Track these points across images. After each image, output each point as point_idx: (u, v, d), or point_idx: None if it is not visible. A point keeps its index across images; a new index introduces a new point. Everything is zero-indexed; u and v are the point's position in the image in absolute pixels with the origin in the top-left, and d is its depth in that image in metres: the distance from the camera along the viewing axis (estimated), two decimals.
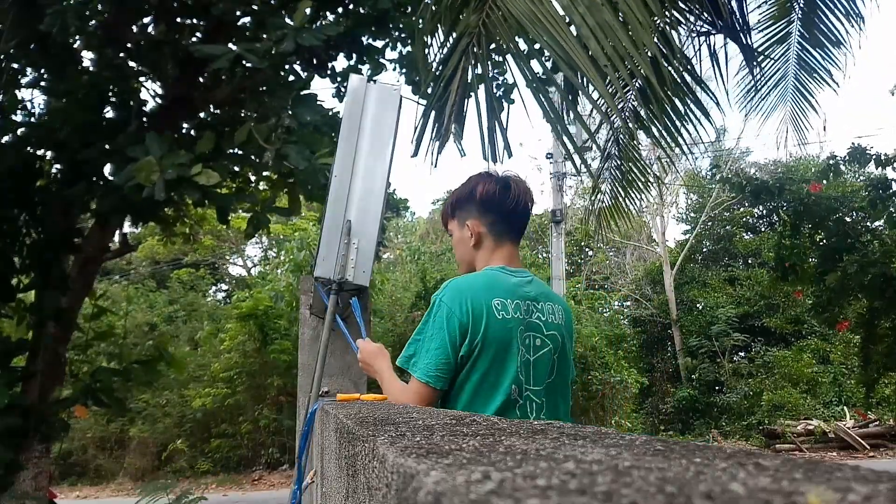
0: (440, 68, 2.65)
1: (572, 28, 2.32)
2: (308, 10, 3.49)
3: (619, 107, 4.33)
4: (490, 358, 1.62)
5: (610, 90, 2.47)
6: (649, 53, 2.43)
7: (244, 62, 3.44)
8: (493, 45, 2.57)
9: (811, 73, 4.81)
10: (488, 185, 1.78)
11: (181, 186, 3.30)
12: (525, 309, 1.69)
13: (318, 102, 3.87)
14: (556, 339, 1.75)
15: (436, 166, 2.59)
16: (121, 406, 4.64)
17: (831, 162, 8.60)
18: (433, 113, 2.58)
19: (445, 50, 2.74)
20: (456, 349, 1.61)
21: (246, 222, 4.56)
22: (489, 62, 2.56)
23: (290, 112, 3.67)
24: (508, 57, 2.54)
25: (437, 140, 2.56)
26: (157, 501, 4.67)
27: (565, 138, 2.56)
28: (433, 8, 2.92)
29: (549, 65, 2.64)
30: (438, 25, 2.96)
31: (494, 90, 3.71)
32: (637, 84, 4.08)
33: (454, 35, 2.67)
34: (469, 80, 2.48)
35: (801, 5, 4.48)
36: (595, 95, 2.70)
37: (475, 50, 2.46)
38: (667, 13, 2.64)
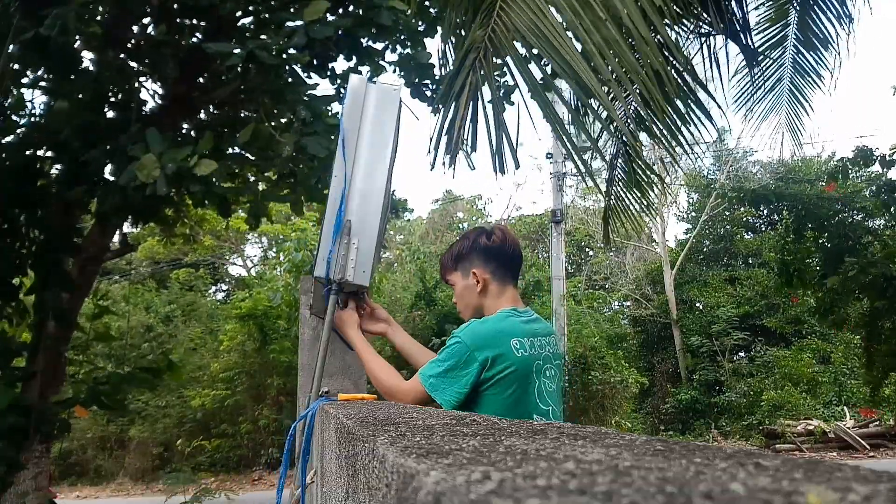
0: (451, 83, 2.67)
1: (576, 42, 2.34)
2: (324, 8, 3.56)
3: (622, 112, 4.33)
4: (512, 389, 1.79)
5: (616, 105, 2.48)
6: (652, 67, 2.45)
7: (256, 59, 3.46)
8: (498, 60, 2.62)
9: (805, 75, 4.82)
10: (487, 237, 2.00)
11: (182, 180, 3.31)
12: (539, 345, 1.90)
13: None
14: (560, 368, 1.99)
15: (454, 177, 2.69)
16: (122, 407, 4.63)
17: (838, 164, 8.60)
18: (445, 127, 2.63)
19: (454, 64, 2.78)
20: (473, 385, 1.77)
21: (244, 220, 4.59)
22: (495, 75, 2.63)
23: (304, 105, 3.75)
24: (510, 63, 2.57)
25: (450, 153, 2.61)
26: (174, 498, 4.68)
27: (569, 145, 2.59)
28: (457, 20, 2.95)
29: (549, 69, 2.67)
30: (450, 37, 3.00)
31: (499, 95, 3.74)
32: (638, 90, 4.08)
33: (462, 47, 2.70)
34: (477, 97, 2.55)
35: (797, 7, 4.48)
36: (594, 103, 2.71)
37: (482, 65, 2.52)
38: (668, 14, 2.64)
